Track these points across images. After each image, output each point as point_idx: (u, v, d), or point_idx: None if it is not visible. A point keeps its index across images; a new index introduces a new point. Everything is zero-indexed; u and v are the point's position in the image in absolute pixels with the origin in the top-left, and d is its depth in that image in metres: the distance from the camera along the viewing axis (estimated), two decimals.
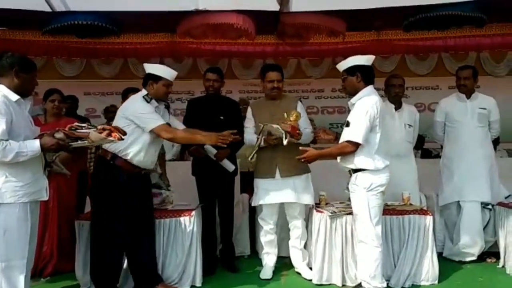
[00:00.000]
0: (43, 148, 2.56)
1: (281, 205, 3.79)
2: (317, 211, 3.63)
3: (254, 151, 3.58)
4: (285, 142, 3.39)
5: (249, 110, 3.90)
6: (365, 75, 3.21)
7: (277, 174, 3.64)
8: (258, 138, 3.58)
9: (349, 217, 3.51)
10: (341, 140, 3.25)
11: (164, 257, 3.50)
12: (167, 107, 3.49)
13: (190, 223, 3.51)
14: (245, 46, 6.22)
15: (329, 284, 3.53)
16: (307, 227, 3.82)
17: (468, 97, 4.19)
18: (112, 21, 5.16)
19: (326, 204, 3.79)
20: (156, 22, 5.42)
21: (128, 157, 3.19)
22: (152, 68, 3.39)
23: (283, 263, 3.98)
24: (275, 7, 4.39)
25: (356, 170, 3.19)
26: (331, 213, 3.52)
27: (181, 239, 3.50)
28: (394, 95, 4.11)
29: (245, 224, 4.37)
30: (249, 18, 4.78)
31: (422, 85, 7.32)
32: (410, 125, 4.17)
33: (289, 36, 5.72)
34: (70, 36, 5.73)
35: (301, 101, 3.97)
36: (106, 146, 3.17)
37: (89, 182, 4.48)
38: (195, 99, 4.29)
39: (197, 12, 4.67)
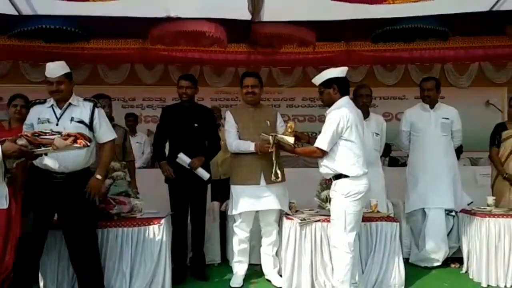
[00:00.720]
0: (4, 154, 2.48)
1: (256, 213, 3.79)
2: (287, 218, 3.66)
3: (275, 166, 3.48)
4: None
5: (229, 115, 3.83)
6: (341, 87, 3.31)
7: (262, 181, 3.65)
8: (272, 151, 3.46)
9: (319, 224, 3.56)
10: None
11: (133, 266, 3.44)
12: (95, 105, 3.29)
13: (159, 231, 3.47)
14: (217, 54, 6.22)
15: None
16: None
17: (432, 107, 4.34)
18: (81, 26, 5.08)
19: (296, 211, 3.83)
20: (127, 28, 5.37)
21: (35, 163, 3.10)
22: None
23: (254, 270, 3.99)
24: (247, 16, 4.44)
25: (336, 177, 3.27)
26: (301, 220, 3.56)
27: (150, 248, 3.45)
28: (361, 104, 4.21)
29: (215, 232, 4.36)
30: (221, 26, 4.81)
31: (389, 95, 7.52)
32: (377, 134, 4.29)
33: (261, 45, 5.77)
34: (37, 41, 5.60)
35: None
36: None
37: None
38: (169, 106, 4.27)
39: (169, 19, 4.67)
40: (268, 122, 3.74)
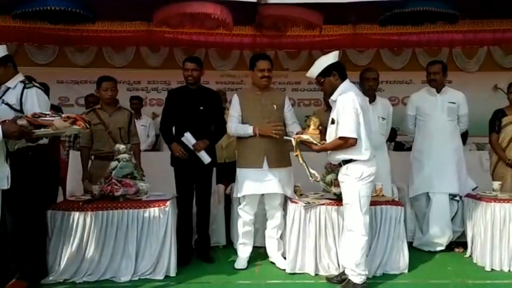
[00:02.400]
0: (5, 134, 2.48)
1: (261, 196, 3.80)
2: (292, 201, 3.67)
3: (307, 168, 3.32)
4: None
5: (235, 99, 3.82)
6: (340, 72, 3.27)
7: (265, 165, 3.65)
8: (298, 155, 3.30)
9: (323, 207, 3.57)
10: (329, 137, 3.28)
11: (138, 248, 3.48)
12: (25, 86, 3.18)
13: (164, 213, 3.49)
14: (223, 37, 6.18)
15: (302, 273, 3.59)
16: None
17: (438, 91, 4.30)
18: (87, 7, 5.05)
19: (301, 195, 3.83)
20: (133, 9, 5.33)
21: None
22: None
23: (258, 253, 4.02)
24: None
25: (346, 161, 3.24)
26: (306, 203, 3.57)
27: (155, 230, 3.48)
28: (367, 88, 4.18)
29: (220, 215, 4.39)
30: (227, 8, 4.76)
31: (396, 79, 7.44)
32: (383, 118, 4.26)
33: (267, 27, 5.73)
34: (43, 22, 5.57)
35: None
36: None
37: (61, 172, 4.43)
38: (174, 89, 4.24)
39: (175, 1, 4.63)
40: (275, 106, 3.73)
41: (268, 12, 5.03)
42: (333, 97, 3.29)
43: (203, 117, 3.93)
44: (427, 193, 4.26)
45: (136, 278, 3.44)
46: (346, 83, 3.27)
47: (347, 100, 3.16)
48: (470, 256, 3.98)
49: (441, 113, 4.26)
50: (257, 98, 3.75)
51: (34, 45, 6.83)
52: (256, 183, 3.66)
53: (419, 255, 4.05)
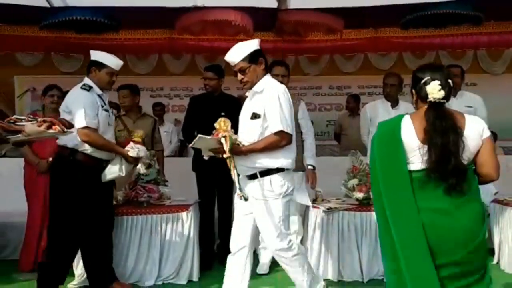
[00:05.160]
0: None
1: None
2: (313, 207, 3.66)
3: (237, 178, 2.57)
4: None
5: None
6: (265, 60, 2.78)
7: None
8: (229, 157, 2.55)
9: (346, 212, 3.55)
10: (250, 135, 2.67)
11: (161, 253, 3.52)
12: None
13: (187, 218, 3.53)
14: None
15: (325, 279, 3.56)
16: (303, 223, 3.84)
17: (454, 95, 4.21)
18: (111, 16, 5.18)
19: (323, 200, 3.82)
20: (155, 18, 5.44)
21: (88, 151, 3.05)
22: (97, 55, 3.32)
23: None
24: (273, 4, 4.42)
25: (265, 172, 2.60)
26: (327, 209, 3.55)
27: (179, 235, 3.52)
28: (385, 94, 4.17)
29: None
30: (248, 14, 4.81)
31: None
32: None
33: (287, 33, 5.75)
34: (69, 32, 5.73)
35: (302, 100, 4.05)
36: (63, 142, 3.04)
37: None
38: (196, 96, 4.31)
39: (196, 9, 4.71)
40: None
41: (288, 17, 5.06)
42: (256, 88, 2.68)
43: None
44: None
45: (160, 283, 3.48)
46: (269, 76, 2.77)
47: (281, 91, 2.61)
48: (498, 262, 3.88)
49: None
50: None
51: (60, 54, 7.01)
52: None
53: None
